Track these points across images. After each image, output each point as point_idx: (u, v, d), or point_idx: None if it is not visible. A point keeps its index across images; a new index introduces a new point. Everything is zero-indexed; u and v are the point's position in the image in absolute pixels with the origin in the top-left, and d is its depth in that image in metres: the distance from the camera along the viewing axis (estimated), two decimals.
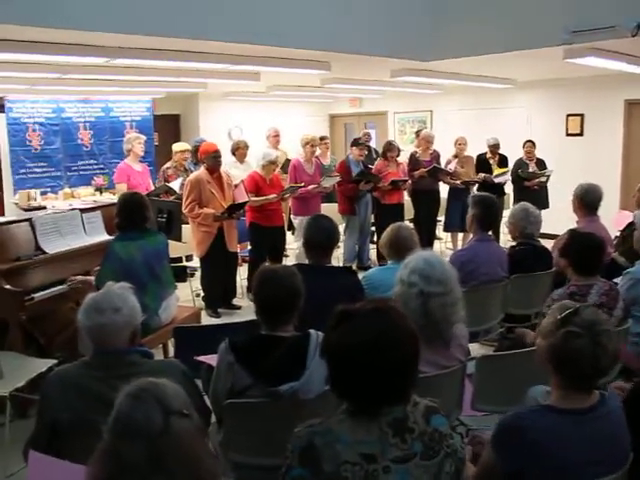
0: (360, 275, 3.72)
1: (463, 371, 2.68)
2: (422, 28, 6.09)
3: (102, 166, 9.24)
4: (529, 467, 1.75)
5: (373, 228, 7.97)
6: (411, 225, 8.49)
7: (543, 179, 7.93)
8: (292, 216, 7.45)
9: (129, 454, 1.36)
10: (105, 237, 4.85)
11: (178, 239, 5.30)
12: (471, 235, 4.32)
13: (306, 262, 3.60)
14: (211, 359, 2.64)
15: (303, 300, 2.47)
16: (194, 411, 1.52)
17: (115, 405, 1.46)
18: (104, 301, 2.21)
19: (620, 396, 2.13)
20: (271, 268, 2.54)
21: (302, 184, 6.90)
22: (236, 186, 6.23)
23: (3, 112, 8.43)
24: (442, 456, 1.59)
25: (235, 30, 4.86)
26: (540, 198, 7.77)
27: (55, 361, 3.63)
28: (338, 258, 7.63)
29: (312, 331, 2.42)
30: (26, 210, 7.46)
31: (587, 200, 4.61)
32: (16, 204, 7.94)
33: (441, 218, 8.43)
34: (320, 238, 3.41)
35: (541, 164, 8.12)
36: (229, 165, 7.60)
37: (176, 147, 7.42)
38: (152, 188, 6.84)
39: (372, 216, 7.83)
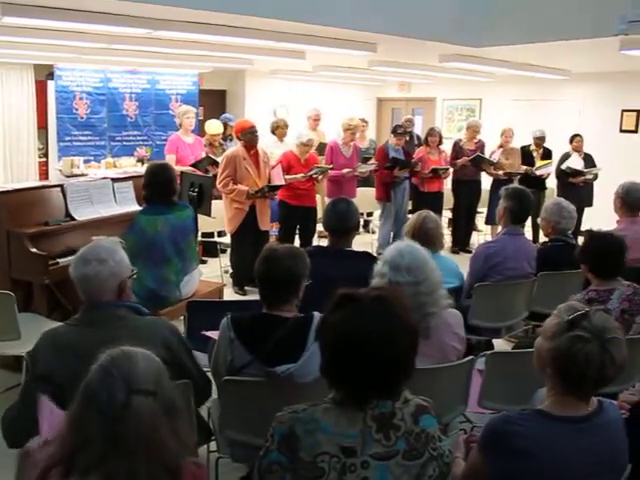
0: None
1: (469, 366, 2.60)
2: (472, 12, 5.88)
3: (145, 137, 9.31)
4: (516, 474, 1.67)
5: (410, 215, 7.84)
6: (450, 214, 8.45)
7: (589, 177, 7.64)
8: (326, 198, 7.39)
9: (90, 428, 1.35)
10: (135, 207, 4.88)
11: (207, 214, 5.30)
12: (499, 228, 4.20)
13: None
14: (217, 335, 2.62)
15: (305, 282, 2.44)
16: (168, 383, 1.47)
17: (89, 372, 1.44)
18: (90, 252, 2.22)
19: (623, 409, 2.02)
20: (273, 247, 2.50)
21: (331, 166, 6.80)
22: (274, 166, 6.21)
23: (52, 79, 8.57)
24: (426, 458, 1.55)
25: (279, 7, 4.79)
26: (584, 195, 7.55)
27: None
28: (372, 244, 7.56)
29: (316, 313, 2.36)
30: (68, 177, 7.59)
31: (629, 199, 4.48)
32: (60, 171, 8.09)
33: (482, 210, 8.25)
34: (334, 223, 3.37)
35: (588, 159, 7.81)
36: (269, 144, 7.57)
37: (208, 129, 7.35)
38: None
39: (410, 203, 7.71)
